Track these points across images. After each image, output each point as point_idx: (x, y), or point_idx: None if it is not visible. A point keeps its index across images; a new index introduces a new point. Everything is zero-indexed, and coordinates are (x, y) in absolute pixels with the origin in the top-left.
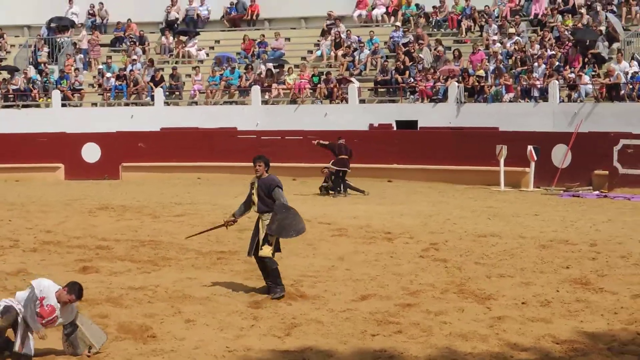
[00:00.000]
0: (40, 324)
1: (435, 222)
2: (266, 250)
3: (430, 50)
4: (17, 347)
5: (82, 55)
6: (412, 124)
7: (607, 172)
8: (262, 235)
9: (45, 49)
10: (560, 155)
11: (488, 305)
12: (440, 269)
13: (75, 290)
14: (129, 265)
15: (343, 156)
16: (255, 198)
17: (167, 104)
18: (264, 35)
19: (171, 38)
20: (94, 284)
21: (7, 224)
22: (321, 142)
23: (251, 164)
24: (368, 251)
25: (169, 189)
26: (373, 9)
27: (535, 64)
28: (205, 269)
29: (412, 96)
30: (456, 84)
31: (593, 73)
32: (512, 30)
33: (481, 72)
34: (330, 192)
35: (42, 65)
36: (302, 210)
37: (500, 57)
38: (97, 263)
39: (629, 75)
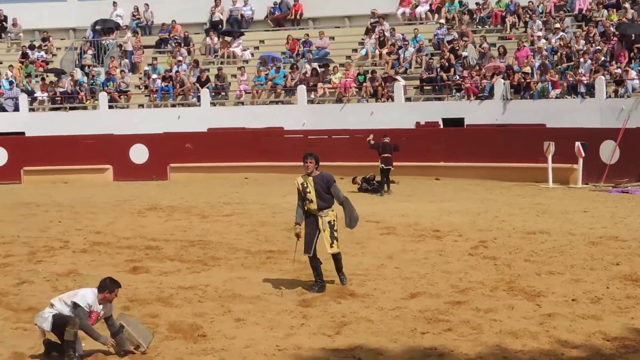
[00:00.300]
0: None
1: (483, 220)
2: (336, 248)
3: (475, 47)
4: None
5: (127, 60)
6: (458, 122)
7: None
8: (325, 234)
9: (90, 52)
10: (608, 152)
11: (538, 303)
12: (489, 267)
13: (107, 286)
14: (179, 265)
15: (386, 155)
16: (313, 196)
17: (213, 104)
18: (308, 35)
19: (216, 39)
20: (144, 284)
21: (57, 225)
22: (371, 141)
23: (299, 163)
24: (417, 249)
25: (217, 189)
26: (416, 6)
27: (581, 59)
28: (254, 268)
29: (458, 93)
30: (502, 80)
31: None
32: (557, 25)
33: (527, 69)
34: (376, 192)
35: (87, 67)
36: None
37: (545, 53)
38: (147, 263)
39: None
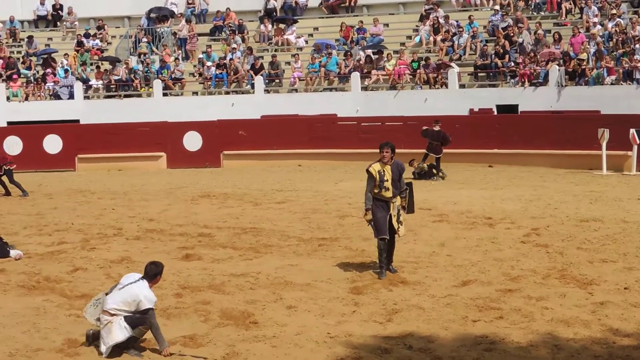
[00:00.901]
0: None
1: (536, 207)
2: (403, 230)
3: (530, 34)
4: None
5: (181, 47)
6: (512, 108)
7: None
8: (395, 217)
9: (144, 40)
10: None
11: (590, 291)
12: (541, 254)
13: (157, 272)
14: (231, 253)
15: (433, 142)
16: (389, 184)
17: (267, 91)
18: (362, 22)
19: (270, 26)
20: (197, 271)
21: (111, 213)
22: (423, 128)
23: (352, 150)
24: (469, 237)
25: (270, 176)
26: None
27: (637, 45)
28: (306, 256)
29: (512, 80)
30: (557, 67)
31: None
32: (613, 11)
33: (582, 55)
34: (429, 178)
35: (142, 55)
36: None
37: (600, 39)
38: (200, 250)
39: None
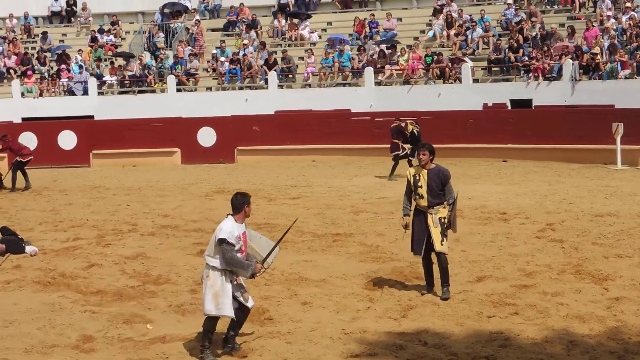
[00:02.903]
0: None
1: (551, 202)
2: (445, 246)
3: (543, 28)
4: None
5: (195, 43)
6: (526, 103)
7: None
8: (435, 231)
9: (161, 35)
10: None
11: (605, 286)
12: (556, 250)
13: (243, 201)
14: None
15: (394, 140)
16: (423, 191)
17: (280, 87)
18: (373, 15)
19: (283, 21)
20: None
21: (126, 209)
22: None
23: (366, 146)
24: (484, 232)
25: (284, 171)
26: None
27: None
28: (321, 251)
29: (525, 75)
30: (570, 61)
31: None
32: (627, 4)
33: (596, 49)
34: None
35: (160, 50)
36: None
37: (614, 33)
38: None
39: None
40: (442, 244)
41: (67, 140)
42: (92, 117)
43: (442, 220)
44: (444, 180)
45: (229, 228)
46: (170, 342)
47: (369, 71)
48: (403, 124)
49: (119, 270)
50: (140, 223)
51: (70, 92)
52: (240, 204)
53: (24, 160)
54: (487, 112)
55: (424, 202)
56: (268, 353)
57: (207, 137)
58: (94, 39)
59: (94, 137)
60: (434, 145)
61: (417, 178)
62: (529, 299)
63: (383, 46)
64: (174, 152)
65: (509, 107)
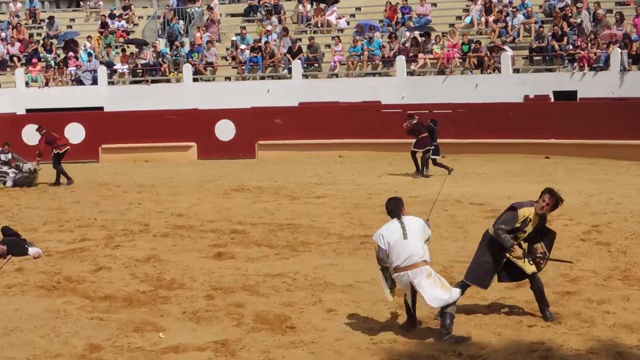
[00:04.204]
0: None
1: (597, 202)
2: (533, 266)
3: (590, 14)
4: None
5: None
6: (571, 95)
7: None
8: (519, 262)
9: (181, 22)
10: None
11: None
12: (603, 254)
13: (395, 208)
14: (266, 251)
15: (421, 135)
16: (524, 236)
17: (305, 77)
18: (406, 0)
19: (309, 6)
20: (229, 270)
21: (137, 207)
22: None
23: (397, 140)
24: None
25: (308, 168)
26: None
27: None
28: (347, 254)
29: (570, 64)
30: (619, 50)
31: None
32: None
33: None
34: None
35: (180, 37)
36: (453, 190)
37: None
38: (232, 249)
39: None
40: (530, 264)
41: (75, 133)
42: (101, 108)
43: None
44: (543, 229)
45: (381, 230)
46: (184, 352)
47: (400, 60)
48: (415, 118)
49: (129, 274)
50: (152, 223)
51: (79, 81)
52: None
53: (61, 152)
54: (528, 104)
55: (514, 244)
56: None
57: (225, 130)
58: (104, 25)
59: (104, 130)
60: (470, 141)
61: (527, 223)
62: (573, 307)
63: (416, 33)
64: (189, 147)
65: (552, 100)
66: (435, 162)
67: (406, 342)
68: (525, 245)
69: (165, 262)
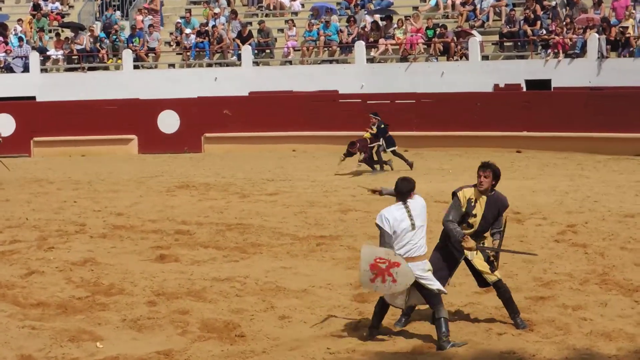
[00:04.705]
0: None
1: (572, 200)
2: (498, 273)
3: None
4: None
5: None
6: (544, 84)
7: None
8: (479, 262)
9: (117, 13)
10: None
11: (636, 299)
12: (579, 256)
13: (405, 189)
14: (214, 253)
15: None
16: (476, 221)
17: (256, 64)
18: None
19: None
20: (173, 274)
21: (72, 206)
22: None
23: (355, 133)
24: None
25: (259, 163)
26: None
27: None
28: (302, 257)
29: (544, 51)
30: (596, 35)
31: None
32: None
33: (627, 22)
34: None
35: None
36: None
37: None
38: (177, 251)
39: None
40: (493, 273)
41: (4, 125)
42: (33, 98)
43: (481, 244)
44: (500, 210)
45: (386, 213)
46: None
47: (359, 46)
48: (359, 143)
49: (64, 278)
50: (89, 223)
51: (8, 68)
52: (407, 191)
53: None
54: (498, 94)
55: (469, 232)
56: None
57: (169, 122)
58: (36, 7)
59: (36, 122)
60: (435, 133)
61: (473, 205)
62: (547, 314)
63: (377, 16)
64: (129, 140)
65: (524, 89)
66: (395, 153)
67: (365, 352)
68: (492, 243)
69: (103, 266)
